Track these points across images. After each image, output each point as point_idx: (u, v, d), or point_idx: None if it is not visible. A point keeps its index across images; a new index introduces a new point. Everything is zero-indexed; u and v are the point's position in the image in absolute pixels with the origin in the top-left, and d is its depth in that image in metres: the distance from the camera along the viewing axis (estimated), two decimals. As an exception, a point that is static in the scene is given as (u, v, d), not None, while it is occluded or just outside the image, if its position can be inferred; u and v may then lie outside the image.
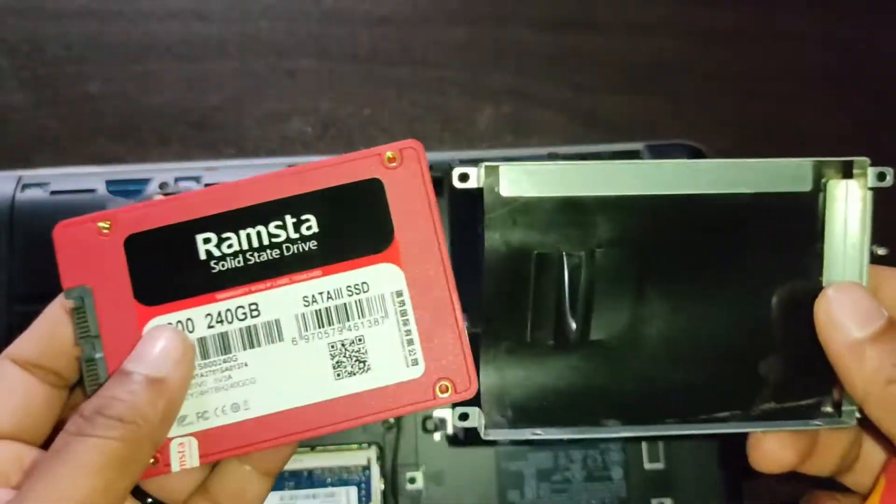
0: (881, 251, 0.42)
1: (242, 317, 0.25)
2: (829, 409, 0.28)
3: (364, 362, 0.26)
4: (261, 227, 0.25)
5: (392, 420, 0.39)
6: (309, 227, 0.25)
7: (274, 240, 0.25)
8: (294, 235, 0.25)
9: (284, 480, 0.39)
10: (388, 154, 0.26)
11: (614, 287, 0.27)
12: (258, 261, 0.25)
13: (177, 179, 0.41)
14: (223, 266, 0.25)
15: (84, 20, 0.48)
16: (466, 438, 0.38)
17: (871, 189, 0.26)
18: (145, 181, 0.41)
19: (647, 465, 0.40)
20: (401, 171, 0.26)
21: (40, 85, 0.47)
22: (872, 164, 0.27)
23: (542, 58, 0.49)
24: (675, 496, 0.40)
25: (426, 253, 0.26)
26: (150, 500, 0.26)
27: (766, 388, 0.28)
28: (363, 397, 0.26)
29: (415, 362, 0.26)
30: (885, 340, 0.25)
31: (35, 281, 0.40)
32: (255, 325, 0.26)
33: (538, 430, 0.27)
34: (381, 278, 0.26)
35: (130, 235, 0.25)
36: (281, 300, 0.25)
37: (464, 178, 0.26)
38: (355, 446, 0.39)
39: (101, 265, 0.25)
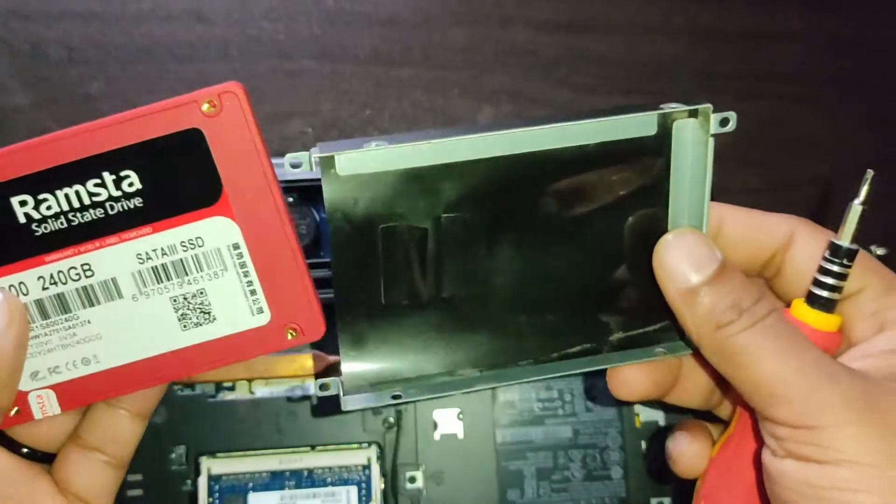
0: (880, 251, 0.42)
1: (76, 277, 0.25)
2: (672, 336, 0.28)
3: (209, 313, 0.26)
4: (78, 187, 0.24)
5: (392, 419, 0.39)
6: (131, 184, 0.24)
7: (95, 199, 0.24)
8: (116, 193, 0.24)
9: (285, 480, 0.39)
10: (205, 103, 0.24)
11: (463, 246, 0.27)
12: (82, 221, 0.24)
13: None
14: (45, 228, 0.24)
15: (85, 21, 0.48)
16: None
17: (713, 135, 0.27)
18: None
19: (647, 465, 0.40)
20: (222, 118, 0.24)
21: (42, 86, 0.48)
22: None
23: (543, 59, 0.49)
24: (674, 496, 0.40)
25: (259, 202, 0.25)
26: (24, 450, 0.27)
27: (613, 322, 0.28)
28: (213, 345, 0.26)
29: (259, 311, 0.26)
30: (717, 284, 0.25)
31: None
32: (91, 285, 0.25)
33: (397, 392, 0.27)
34: (214, 232, 0.25)
35: None
36: (113, 259, 0.25)
37: (295, 165, 0.25)
38: (355, 446, 0.39)
39: None
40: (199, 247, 0.25)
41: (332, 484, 0.39)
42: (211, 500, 0.38)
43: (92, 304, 0.25)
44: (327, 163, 0.25)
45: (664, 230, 0.27)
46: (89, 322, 0.25)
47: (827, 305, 0.26)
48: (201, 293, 0.25)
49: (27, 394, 0.26)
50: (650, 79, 0.50)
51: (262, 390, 0.40)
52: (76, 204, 0.24)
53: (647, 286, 0.27)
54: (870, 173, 0.26)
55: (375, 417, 0.39)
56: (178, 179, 0.24)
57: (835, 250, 0.26)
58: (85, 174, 0.24)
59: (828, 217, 0.48)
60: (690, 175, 0.27)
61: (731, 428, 0.29)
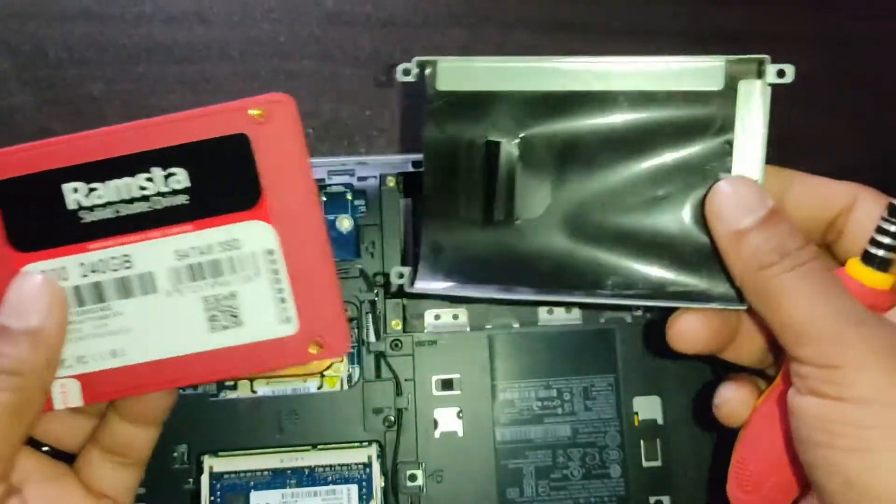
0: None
1: (116, 267, 0.25)
2: (728, 294, 0.29)
3: (237, 317, 0.26)
4: (129, 179, 0.25)
5: (392, 418, 0.40)
6: (178, 181, 0.25)
7: (143, 192, 0.25)
8: (164, 189, 0.25)
9: (286, 478, 0.39)
10: (254, 111, 0.25)
11: (535, 172, 0.29)
12: (129, 213, 0.25)
13: (179, 180, 0.42)
14: (93, 217, 0.25)
15: (86, 22, 0.48)
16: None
17: (770, 85, 0.29)
18: (148, 182, 0.42)
19: (645, 463, 0.41)
20: (269, 126, 0.25)
21: (42, 87, 0.48)
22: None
23: (542, 59, 0.50)
24: (673, 494, 0.40)
25: (299, 211, 0.25)
26: (45, 448, 0.27)
27: (672, 272, 0.29)
28: (238, 351, 0.26)
29: (287, 319, 0.26)
30: (764, 229, 0.26)
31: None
32: (128, 277, 0.25)
33: (457, 286, 0.29)
34: (251, 236, 0.25)
35: (0, 181, 0.24)
36: (154, 253, 0.25)
37: (406, 72, 0.28)
38: (356, 444, 0.39)
39: None
40: (235, 249, 0.25)
41: (333, 482, 0.39)
42: (213, 498, 0.38)
43: (127, 296, 0.26)
44: (430, 75, 0.28)
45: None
46: (122, 314, 0.26)
47: (881, 264, 0.27)
48: (232, 296, 0.26)
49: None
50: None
51: (263, 389, 0.40)
52: (125, 195, 0.25)
53: (708, 239, 0.28)
54: None
55: (376, 416, 0.40)
56: (222, 181, 0.25)
57: (893, 210, 0.27)
58: (136, 167, 0.24)
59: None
60: (751, 126, 0.28)
61: (777, 381, 0.29)
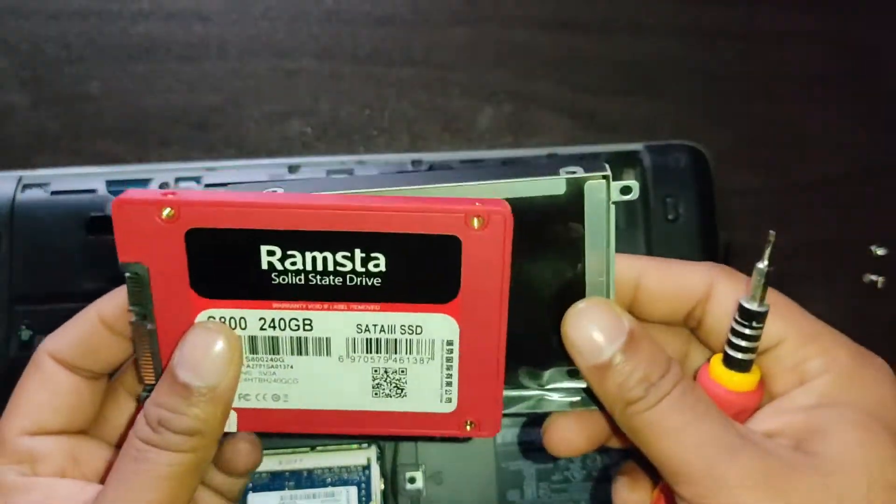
0: (880, 251, 0.42)
1: (295, 328, 0.26)
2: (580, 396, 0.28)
3: (402, 390, 0.27)
4: (328, 254, 0.25)
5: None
6: (377, 265, 0.25)
7: (339, 268, 0.25)
8: (360, 269, 0.25)
9: (284, 480, 0.39)
10: (476, 220, 0.25)
11: None
12: (319, 283, 0.25)
13: (177, 180, 0.41)
14: (283, 280, 0.25)
15: (84, 20, 0.48)
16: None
17: (615, 203, 0.26)
18: (146, 181, 0.41)
19: (647, 466, 0.40)
20: (483, 233, 0.25)
21: (40, 85, 0.47)
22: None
23: (543, 58, 0.49)
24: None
25: (486, 311, 0.26)
26: None
27: (539, 375, 0.28)
28: (393, 415, 0.27)
29: (448, 400, 0.27)
30: (626, 359, 0.25)
31: (35, 281, 0.40)
32: (305, 338, 0.26)
33: None
34: (436, 326, 0.26)
35: (192, 229, 0.24)
36: (335, 322, 0.26)
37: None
38: (355, 446, 0.39)
39: (159, 249, 0.25)
40: (417, 334, 0.26)
41: (332, 484, 0.39)
42: (210, 500, 0.38)
43: (300, 354, 0.26)
44: None
45: (582, 290, 0.27)
46: (292, 367, 0.26)
47: (743, 365, 0.26)
48: (402, 372, 0.26)
49: None
50: (650, 79, 0.50)
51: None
52: (319, 268, 0.25)
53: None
54: (772, 234, 0.26)
55: (375, 418, 0.39)
56: (421, 273, 0.25)
57: (744, 313, 0.26)
58: (337, 245, 0.25)
59: (831, 217, 0.48)
60: (601, 236, 0.27)
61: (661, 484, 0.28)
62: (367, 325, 0.26)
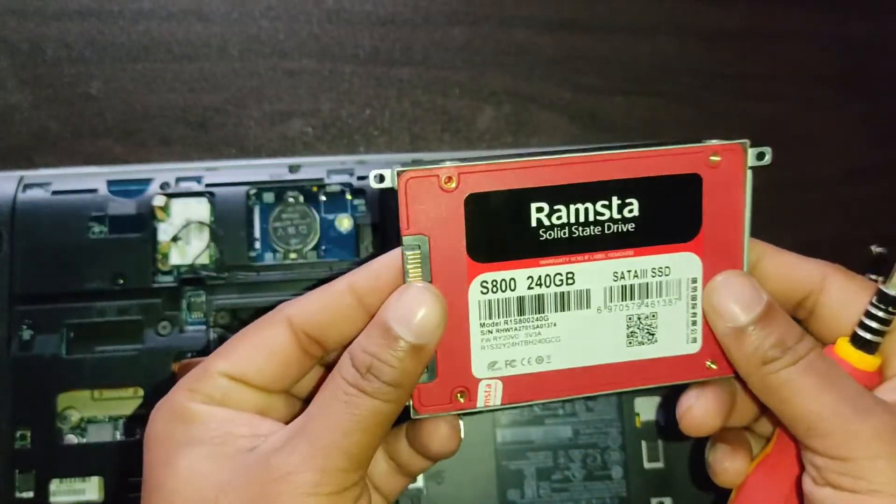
0: (879, 250, 0.42)
1: (559, 283, 0.27)
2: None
3: (653, 335, 0.28)
4: (589, 204, 0.27)
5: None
6: (630, 211, 0.27)
7: (599, 217, 0.27)
8: (616, 216, 0.27)
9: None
10: (713, 157, 0.27)
11: None
12: (581, 234, 0.27)
13: (178, 180, 0.41)
14: (550, 235, 0.27)
15: (84, 20, 0.48)
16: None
17: (751, 168, 0.28)
18: (147, 181, 0.41)
19: (647, 465, 0.40)
20: (720, 170, 0.27)
21: (41, 85, 0.48)
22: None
23: (543, 58, 0.49)
24: (675, 496, 0.40)
25: (727, 247, 0.28)
26: None
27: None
28: (645, 365, 0.28)
29: (693, 340, 0.28)
30: (763, 324, 0.27)
31: (37, 281, 0.40)
32: (568, 292, 0.27)
33: None
34: (681, 265, 0.28)
35: (471, 194, 0.26)
36: (594, 273, 0.27)
37: (380, 179, 0.26)
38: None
39: (439, 217, 0.26)
40: (665, 276, 0.28)
41: (333, 484, 0.39)
42: (211, 500, 0.38)
43: (563, 310, 0.28)
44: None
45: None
46: (555, 325, 0.28)
47: (868, 346, 0.28)
48: (653, 316, 0.28)
49: (479, 381, 0.27)
50: (650, 79, 0.50)
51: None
52: (581, 219, 0.27)
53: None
54: None
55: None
56: (669, 214, 0.27)
57: (882, 297, 0.28)
58: (597, 195, 0.27)
59: (831, 217, 0.48)
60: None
61: (770, 447, 0.30)
62: (622, 272, 0.27)
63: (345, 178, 0.42)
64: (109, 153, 0.47)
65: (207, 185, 0.41)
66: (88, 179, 0.41)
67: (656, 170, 0.27)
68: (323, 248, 0.41)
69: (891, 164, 0.49)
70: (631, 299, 0.28)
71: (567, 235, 0.27)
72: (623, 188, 0.27)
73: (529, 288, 0.27)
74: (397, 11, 0.49)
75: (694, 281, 0.28)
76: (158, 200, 0.41)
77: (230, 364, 0.27)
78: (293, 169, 0.42)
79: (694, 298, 0.28)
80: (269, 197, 0.42)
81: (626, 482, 0.40)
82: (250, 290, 0.40)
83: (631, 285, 0.28)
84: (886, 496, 0.25)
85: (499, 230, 0.26)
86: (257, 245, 0.41)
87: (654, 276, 0.28)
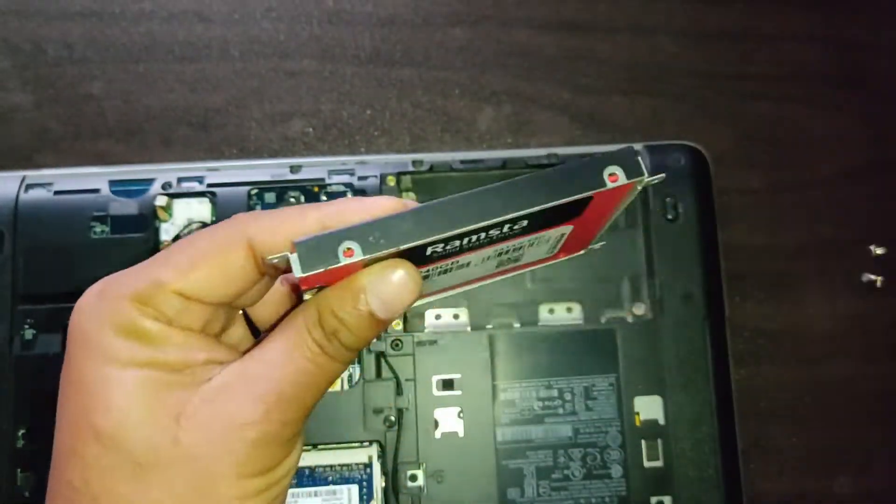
0: (879, 251, 0.42)
1: (445, 269, 0.28)
2: None
3: (518, 260, 0.30)
4: (482, 233, 0.27)
5: (393, 418, 0.39)
6: (521, 224, 0.27)
7: (490, 234, 0.27)
8: (506, 230, 0.27)
9: (286, 479, 0.39)
10: (609, 185, 0.27)
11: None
12: (471, 244, 0.27)
13: (180, 180, 0.42)
14: (442, 251, 0.27)
15: (86, 21, 0.48)
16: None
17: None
18: (149, 181, 0.42)
19: (647, 464, 0.40)
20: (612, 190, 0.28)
21: (42, 85, 0.48)
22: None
23: (543, 59, 0.50)
24: (675, 494, 0.40)
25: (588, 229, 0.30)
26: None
27: None
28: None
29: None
30: None
31: (39, 281, 0.40)
32: (450, 267, 0.28)
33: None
34: (558, 232, 0.29)
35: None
36: (479, 256, 0.28)
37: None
38: (356, 444, 0.39)
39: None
40: (544, 240, 0.29)
41: (334, 482, 0.39)
42: (212, 498, 0.38)
43: (444, 274, 0.28)
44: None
45: None
46: (434, 281, 0.29)
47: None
48: (520, 250, 0.29)
49: None
50: (650, 79, 0.50)
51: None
52: (474, 239, 0.27)
53: None
54: None
55: (376, 416, 0.40)
56: (555, 216, 0.28)
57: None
58: (490, 228, 0.27)
59: (830, 217, 0.48)
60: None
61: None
62: (505, 249, 0.28)
63: (345, 179, 0.42)
64: (111, 153, 0.47)
65: (209, 186, 0.42)
66: (90, 179, 0.42)
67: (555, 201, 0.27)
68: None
69: (890, 164, 0.49)
70: (507, 254, 0.29)
71: (458, 249, 0.27)
72: (515, 219, 0.27)
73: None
74: (398, 12, 0.49)
75: (562, 235, 0.29)
76: (160, 200, 0.41)
77: (187, 283, 0.25)
78: (294, 169, 0.42)
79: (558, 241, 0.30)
80: (270, 197, 0.42)
81: (625, 481, 0.40)
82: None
83: (508, 250, 0.29)
84: None
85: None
86: (258, 245, 0.41)
87: (529, 244, 0.29)
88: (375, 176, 0.42)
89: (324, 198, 0.42)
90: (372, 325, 0.25)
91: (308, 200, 0.42)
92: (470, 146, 0.48)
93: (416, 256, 0.26)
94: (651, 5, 0.50)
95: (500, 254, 0.29)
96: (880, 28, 0.51)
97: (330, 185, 0.42)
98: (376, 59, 0.49)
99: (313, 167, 0.42)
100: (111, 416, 0.24)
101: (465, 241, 0.27)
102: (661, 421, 0.41)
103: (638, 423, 0.41)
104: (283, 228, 0.25)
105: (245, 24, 0.49)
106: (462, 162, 0.43)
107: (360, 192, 0.42)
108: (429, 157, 0.43)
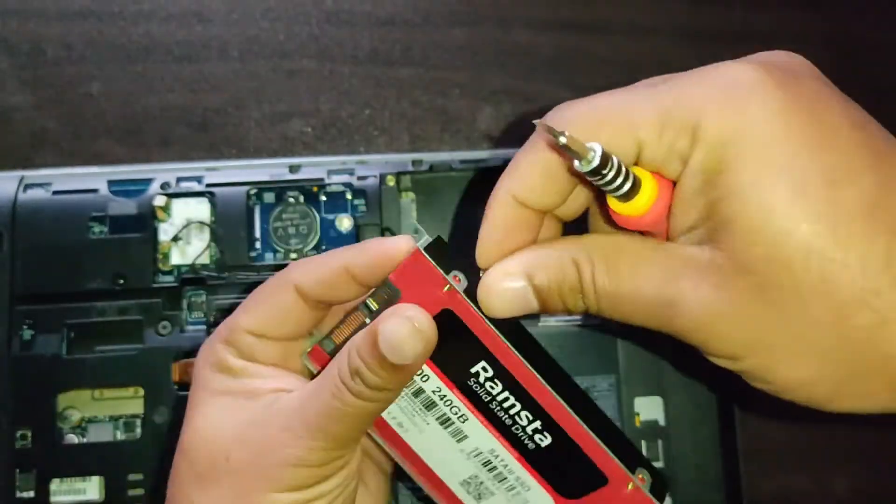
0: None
1: (454, 413, 0.30)
2: None
3: (480, 498, 0.32)
4: (517, 403, 0.29)
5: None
6: (541, 440, 0.30)
7: (516, 418, 0.30)
8: (528, 430, 0.30)
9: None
10: (629, 484, 0.29)
11: None
12: (494, 410, 0.30)
13: (179, 180, 0.42)
14: (475, 386, 0.29)
15: (85, 21, 0.48)
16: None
17: None
18: (147, 181, 0.41)
19: (647, 464, 0.40)
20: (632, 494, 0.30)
21: (41, 85, 0.48)
22: None
23: (543, 59, 0.49)
24: (675, 494, 0.40)
25: None
26: None
27: None
28: None
29: None
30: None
31: (37, 281, 0.40)
32: (453, 423, 0.30)
33: None
34: (539, 498, 0.31)
35: (447, 310, 0.28)
36: (483, 435, 0.30)
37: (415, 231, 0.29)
38: (356, 445, 0.39)
39: (416, 296, 0.29)
40: (524, 489, 0.31)
41: (333, 483, 0.39)
42: (211, 499, 0.38)
43: (440, 425, 0.31)
44: None
45: None
46: (428, 424, 0.31)
47: (626, 197, 0.26)
48: (489, 492, 0.32)
49: None
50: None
51: (263, 390, 0.40)
52: (505, 406, 0.30)
53: None
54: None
55: (376, 417, 0.39)
56: (565, 472, 0.30)
57: (592, 173, 0.25)
58: (530, 407, 0.30)
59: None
60: None
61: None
62: (500, 457, 0.30)
63: (345, 178, 0.42)
64: (110, 153, 0.47)
65: (208, 186, 0.42)
66: (89, 179, 0.41)
67: (586, 449, 0.29)
68: (323, 247, 0.41)
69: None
70: (489, 472, 0.31)
71: (486, 399, 0.29)
72: (548, 424, 0.29)
73: (433, 392, 0.30)
74: (397, 12, 0.49)
75: None
76: (159, 200, 0.41)
77: (253, 322, 0.30)
78: (293, 169, 0.42)
79: None
80: (269, 197, 0.42)
81: (625, 481, 0.40)
82: (251, 289, 0.40)
83: (494, 466, 0.30)
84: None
85: (447, 347, 0.28)
86: (258, 245, 0.41)
87: (515, 482, 0.31)
88: (375, 176, 0.42)
89: (323, 198, 0.42)
90: (386, 367, 0.27)
91: (307, 200, 0.42)
92: (469, 146, 0.48)
93: (460, 371, 0.29)
94: (650, 5, 0.50)
95: (487, 464, 0.30)
96: (880, 28, 0.51)
97: (329, 184, 0.42)
98: (375, 58, 0.49)
99: (312, 167, 0.42)
100: (190, 432, 0.29)
101: (503, 396, 0.29)
102: (662, 422, 0.41)
103: (638, 424, 0.41)
104: (315, 272, 0.30)
105: (244, 25, 0.49)
106: (461, 162, 0.42)
107: (359, 191, 0.42)
108: (428, 157, 0.43)
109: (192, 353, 0.39)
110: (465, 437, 0.30)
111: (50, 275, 0.40)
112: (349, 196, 0.42)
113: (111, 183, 0.41)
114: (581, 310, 0.28)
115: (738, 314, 0.24)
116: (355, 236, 0.41)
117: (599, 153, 0.24)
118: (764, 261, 0.23)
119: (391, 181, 0.42)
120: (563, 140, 0.24)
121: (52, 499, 0.38)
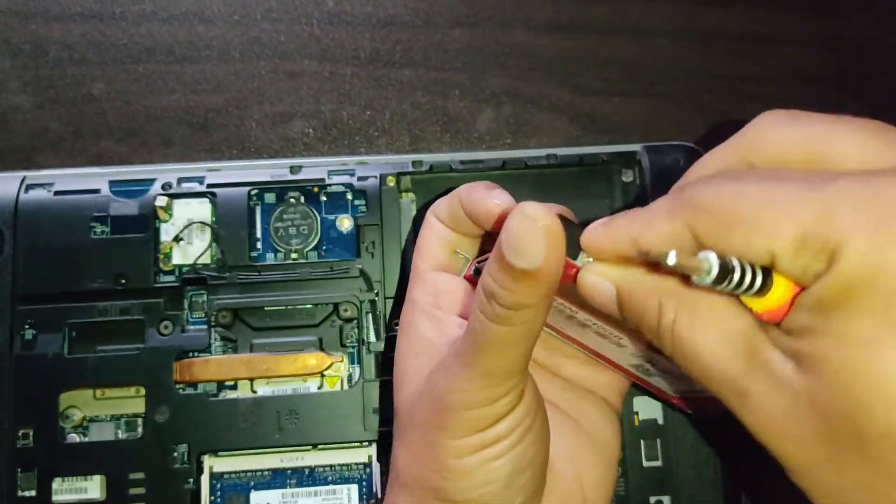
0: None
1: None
2: None
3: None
4: None
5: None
6: None
7: None
8: None
9: (286, 478, 0.39)
10: None
11: None
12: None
13: (180, 180, 0.42)
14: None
15: (86, 22, 0.48)
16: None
17: None
18: (149, 182, 0.42)
19: (646, 464, 0.41)
20: None
21: (43, 86, 0.48)
22: None
23: (543, 60, 0.50)
24: (674, 494, 0.40)
25: None
26: None
27: None
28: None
29: None
30: None
31: (39, 281, 0.40)
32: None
33: None
34: None
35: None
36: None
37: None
38: (356, 444, 0.39)
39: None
40: None
41: (333, 482, 0.39)
42: (213, 498, 0.38)
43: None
44: None
45: None
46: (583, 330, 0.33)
47: (760, 292, 0.24)
48: None
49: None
50: (650, 80, 0.50)
51: (264, 389, 0.40)
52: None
53: None
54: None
55: (376, 416, 0.40)
56: None
57: (718, 279, 0.23)
58: None
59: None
60: None
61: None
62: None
63: (345, 179, 0.42)
64: (111, 154, 0.47)
65: (209, 186, 0.42)
66: (91, 180, 0.42)
67: None
68: (324, 247, 0.42)
69: None
70: (648, 362, 0.33)
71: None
72: None
73: (585, 319, 0.31)
74: (397, 13, 0.49)
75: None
76: (160, 201, 0.41)
77: (426, 259, 0.34)
78: (294, 170, 0.42)
79: None
80: (270, 197, 0.42)
81: (624, 481, 0.40)
82: (252, 289, 0.40)
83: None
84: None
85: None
86: (259, 245, 0.41)
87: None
88: (375, 176, 0.42)
89: (324, 198, 0.42)
90: (516, 277, 0.25)
91: (308, 201, 0.42)
92: (469, 147, 0.48)
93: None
94: (650, 7, 0.50)
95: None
96: (880, 29, 0.51)
97: (330, 185, 0.42)
98: (376, 59, 0.49)
99: (313, 167, 0.42)
100: (410, 336, 0.33)
101: None
102: (661, 421, 0.41)
103: (637, 423, 0.41)
104: (443, 201, 0.35)
105: (245, 25, 0.49)
106: (462, 162, 0.43)
107: (359, 192, 0.42)
108: (428, 158, 0.43)
109: (192, 352, 0.40)
110: (624, 346, 0.31)
111: (52, 275, 0.40)
112: (350, 196, 0.42)
113: (113, 183, 0.41)
114: (657, 344, 0.27)
115: (829, 462, 0.24)
116: (355, 236, 0.41)
117: (716, 266, 0.22)
118: (878, 437, 0.22)
119: (391, 182, 0.42)
120: (671, 262, 0.22)
121: (54, 498, 0.38)
